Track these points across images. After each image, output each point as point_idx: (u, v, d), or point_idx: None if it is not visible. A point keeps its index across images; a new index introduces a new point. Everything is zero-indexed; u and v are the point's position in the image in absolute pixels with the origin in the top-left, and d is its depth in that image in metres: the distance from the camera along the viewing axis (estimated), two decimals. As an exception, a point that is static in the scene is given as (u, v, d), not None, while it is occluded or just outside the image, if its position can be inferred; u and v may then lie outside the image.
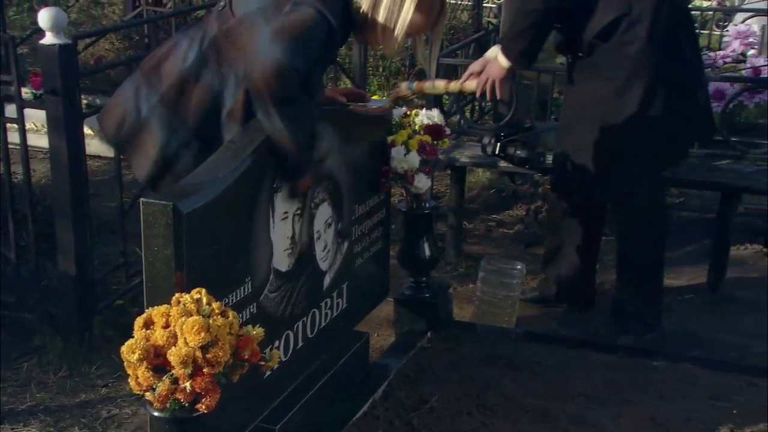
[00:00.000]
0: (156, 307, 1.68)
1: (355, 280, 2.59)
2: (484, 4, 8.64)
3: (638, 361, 2.71)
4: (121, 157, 2.87)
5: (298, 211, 2.22)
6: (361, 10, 2.20)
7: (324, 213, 2.36)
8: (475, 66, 3.13)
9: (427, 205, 2.89)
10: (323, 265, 2.40)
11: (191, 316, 1.65)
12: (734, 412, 2.45)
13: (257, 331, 1.73)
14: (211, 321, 1.62)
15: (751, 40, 5.41)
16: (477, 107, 5.00)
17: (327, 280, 2.43)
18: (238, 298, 1.99)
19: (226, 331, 1.65)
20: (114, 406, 2.75)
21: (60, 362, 2.93)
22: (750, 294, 3.54)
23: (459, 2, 7.81)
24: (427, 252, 2.91)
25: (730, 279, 3.59)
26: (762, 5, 8.31)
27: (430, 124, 2.78)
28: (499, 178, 4.57)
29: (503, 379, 2.57)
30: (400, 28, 2.21)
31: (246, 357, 1.67)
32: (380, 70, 6.20)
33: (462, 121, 4.13)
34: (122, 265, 3.32)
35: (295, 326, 2.28)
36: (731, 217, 3.48)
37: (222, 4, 2.24)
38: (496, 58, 3.00)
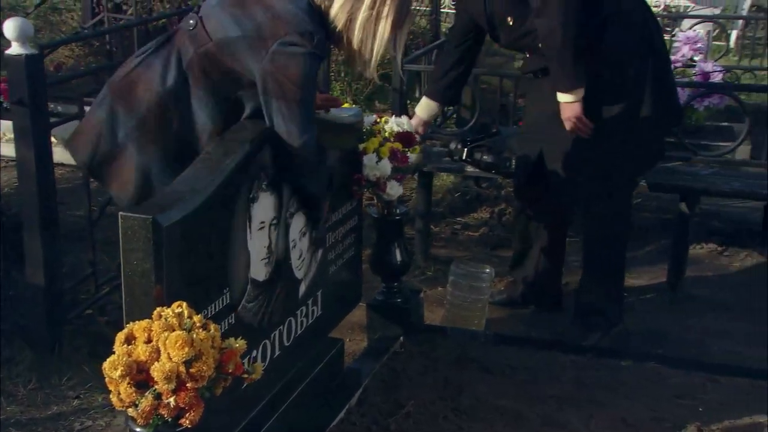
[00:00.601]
0: (137, 321, 1.65)
1: (329, 287, 2.56)
2: (441, 10, 8.68)
3: (605, 361, 2.73)
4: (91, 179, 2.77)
5: (275, 221, 2.19)
6: (337, 29, 2.13)
7: (299, 222, 2.33)
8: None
9: (398, 211, 2.88)
10: (298, 274, 2.37)
11: (173, 330, 1.62)
12: (700, 409, 2.47)
13: (240, 344, 1.70)
14: (194, 335, 1.59)
15: (699, 45, 5.51)
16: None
17: (302, 288, 2.40)
18: (217, 310, 1.96)
19: (209, 344, 1.62)
20: (87, 418, 2.68)
21: (30, 374, 2.85)
22: (708, 292, 3.59)
23: (417, 8, 7.82)
24: (399, 257, 2.89)
25: (688, 278, 3.64)
26: (707, 12, 8.50)
27: (401, 131, 2.77)
28: (462, 182, 4.57)
29: (477, 382, 2.56)
30: (377, 50, 2.14)
31: (230, 371, 1.64)
32: (342, 75, 6.16)
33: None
34: (91, 274, 3.25)
35: (272, 335, 2.25)
36: (690, 218, 3.52)
37: (192, 23, 2.16)
38: (563, 102, 2.91)
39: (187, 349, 1.56)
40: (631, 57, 2.93)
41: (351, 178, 2.64)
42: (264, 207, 2.13)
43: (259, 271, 2.14)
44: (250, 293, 2.11)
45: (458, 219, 4.31)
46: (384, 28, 2.12)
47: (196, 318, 1.69)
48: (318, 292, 2.50)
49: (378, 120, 2.79)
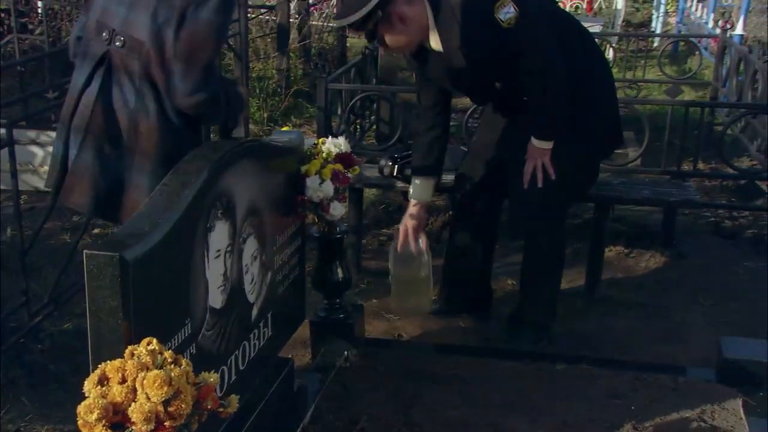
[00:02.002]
0: (108, 362, 1.56)
1: (278, 308, 2.51)
2: (348, 25, 8.67)
3: (541, 365, 2.76)
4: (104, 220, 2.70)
5: (229, 248, 2.13)
6: None
7: (251, 246, 2.27)
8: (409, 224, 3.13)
9: (338, 229, 2.84)
10: (251, 297, 2.31)
11: (148, 369, 1.54)
12: (632, 408, 2.52)
13: (214, 378, 1.63)
14: (172, 374, 1.52)
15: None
16: (359, 127, 5.00)
17: (254, 312, 2.34)
18: (180, 341, 1.88)
19: (185, 381, 1.55)
20: (30, 451, 2.54)
21: (-35, 407, 2.69)
22: (621, 293, 3.68)
23: (325, 24, 7.80)
24: (340, 274, 2.87)
25: (602, 280, 3.74)
26: (597, 29, 8.81)
27: (340, 152, 2.74)
28: (384, 194, 4.57)
29: (426, 393, 2.55)
30: None
31: (208, 407, 1.58)
32: (257, 91, 6.08)
33: (349, 141, 4.10)
34: (25, 303, 3.09)
35: (229, 361, 2.18)
36: (605, 224, 3.61)
37: (120, 42, 2.20)
38: (536, 146, 2.91)
39: (166, 388, 1.49)
40: (578, 84, 2.94)
41: (294, 200, 2.60)
42: (220, 235, 2.06)
43: (216, 298, 2.07)
44: (208, 321, 2.04)
45: (384, 231, 4.30)
46: None
47: (167, 354, 1.62)
48: (268, 313, 2.44)
49: (317, 142, 2.75)
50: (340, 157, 2.72)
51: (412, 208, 3.11)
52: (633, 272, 3.90)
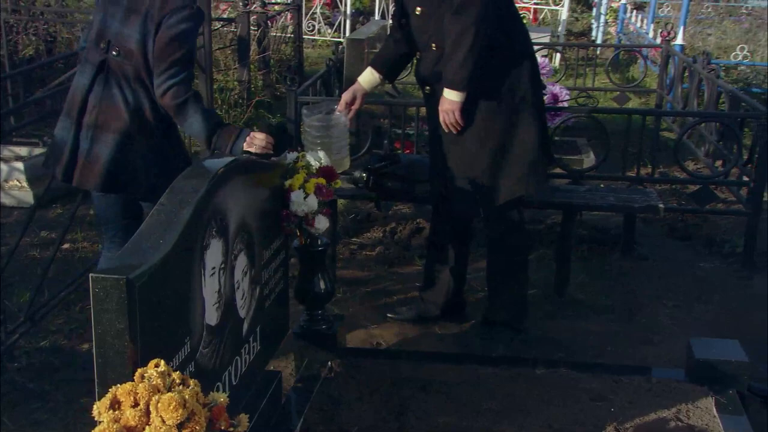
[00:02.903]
0: (119, 385, 1.52)
1: (265, 322, 2.47)
2: (304, 36, 8.65)
3: (522, 371, 2.77)
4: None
5: (222, 265, 2.09)
6: None
7: (241, 263, 2.24)
8: (346, 95, 3.23)
9: (320, 242, 2.82)
10: (242, 313, 2.27)
11: (159, 391, 1.51)
12: (612, 410, 2.55)
13: (223, 398, 1.61)
14: (186, 395, 1.48)
15: (546, 70, 5.81)
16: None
17: (245, 327, 2.30)
18: (180, 360, 1.84)
19: (197, 402, 1.52)
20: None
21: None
22: (586, 296, 3.73)
23: (282, 35, 7.75)
24: (322, 286, 2.84)
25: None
26: (546, 39, 8.93)
27: (322, 166, 2.72)
28: (353, 204, 4.55)
29: (414, 401, 2.54)
30: None
31: (222, 427, 1.55)
32: (219, 102, 6.00)
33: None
34: (1, 322, 3.00)
35: (223, 376, 2.14)
36: (572, 230, 3.66)
37: (115, 52, 2.65)
38: (446, 97, 2.96)
39: (180, 410, 1.46)
40: (526, 86, 3.01)
41: (279, 214, 2.57)
42: (214, 253, 2.03)
43: (211, 316, 2.04)
44: (205, 339, 2.00)
45: (353, 240, 4.28)
46: None
47: (175, 375, 1.59)
48: (257, 327, 2.41)
49: (298, 156, 2.73)
50: (322, 171, 2.70)
51: (355, 84, 3.26)
52: (597, 275, 3.95)
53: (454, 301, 3.37)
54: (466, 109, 2.98)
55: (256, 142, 2.66)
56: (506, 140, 3.01)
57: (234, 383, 2.22)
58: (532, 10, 11.17)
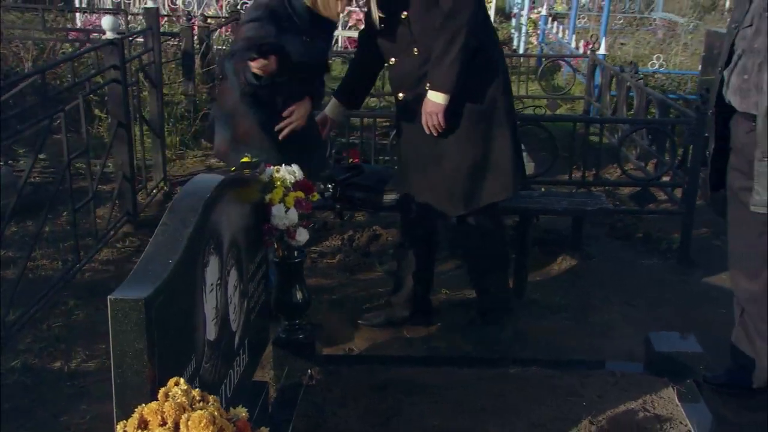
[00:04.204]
0: (145, 405, 1.49)
1: (251, 334, 2.45)
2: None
3: (497, 370, 2.81)
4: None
5: (219, 281, 2.07)
6: None
7: (233, 277, 2.22)
8: (319, 119, 3.27)
9: (297, 254, 2.81)
10: (234, 326, 2.25)
11: (185, 409, 1.49)
12: (584, 404, 2.63)
13: (244, 413, 1.60)
14: (216, 413, 1.47)
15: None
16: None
17: (236, 340, 2.28)
18: (188, 376, 1.81)
19: (224, 418, 1.51)
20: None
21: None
22: (542, 295, 3.82)
23: (222, 48, 7.65)
24: (300, 296, 2.83)
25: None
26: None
27: (298, 180, 2.71)
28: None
29: (398, 405, 2.55)
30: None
31: (248, 442, 1.54)
32: (167, 116, 5.88)
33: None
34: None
35: (221, 390, 2.12)
36: (529, 233, 3.74)
37: None
38: (431, 99, 2.97)
39: (211, 427, 1.44)
40: (500, 91, 3.08)
41: (261, 228, 2.56)
42: (213, 269, 2.01)
43: (211, 331, 2.02)
44: (206, 354, 1.98)
45: (313, 248, 4.28)
46: None
47: (195, 392, 1.57)
48: (246, 340, 2.39)
49: (275, 172, 2.72)
50: (299, 185, 2.70)
51: (323, 114, 3.38)
52: (550, 275, 4.05)
53: (423, 304, 3.41)
54: (448, 112, 2.99)
55: (255, 66, 2.77)
56: (485, 144, 3.05)
57: (229, 396, 2.20)
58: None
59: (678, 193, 4.57)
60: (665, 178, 4.66)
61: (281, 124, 3.08)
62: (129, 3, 11.34)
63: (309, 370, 2.81)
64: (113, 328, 1.56)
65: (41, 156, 4.63)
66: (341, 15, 2.96)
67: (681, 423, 2.54)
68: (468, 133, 3.04)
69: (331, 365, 2.84)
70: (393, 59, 3.12)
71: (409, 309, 3.39)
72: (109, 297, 1.56)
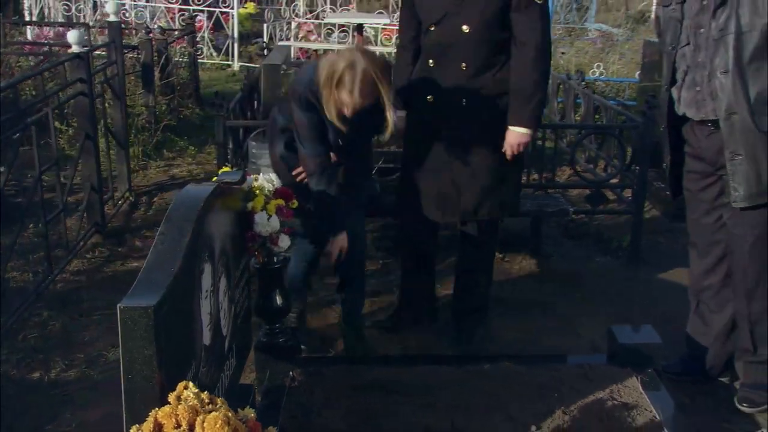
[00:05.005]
0: (158, 409, 1.51)
1: (238, 338, 2.47)
2: (200, 60, 8.52)
3: (471, 367, 2.85)
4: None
5: (212, 287, 2.09)
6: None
7: (223, 284, 2.24)
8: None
9: (277, 260, 2.83)
10: (224, 331, 2.27)
11: (198, 412, 1.51)
12: (556, 396, 2.70)
13: (252, 414, 1.62)
14: (229, 414, 1.49)
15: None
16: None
17: (226, 344, 2.30)
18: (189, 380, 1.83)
19: (236, 419, 1.53)
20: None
21: None
22: (507, 294, 3.90)
23: (179, 60, 7.61)
24: (280, 301, 2.85)
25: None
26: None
27: (277, 188, 2.74)
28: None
29: (380, 404, 2.58)
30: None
31: (260, 442, 1.56)
32: (130, 128, 5.81)
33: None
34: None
35: (214, 393, 2.13)
36: (497, 234, 3.80)
37: None
38: (519, 133, 3.01)
39: (226, 428, 1.46)
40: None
41: (244, 235, 2.57)
42: (207, 276, 2.02)
43: (206, 336, 2.03)
44: (203, 359, 1.99)
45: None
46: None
47: (204, 395, 1.59)
48: (234, 344, 2.40)
49: (255, 180, 2.73)
50: (279, 193, 2.72)
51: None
52: (511, 274, 4.14)
53: (431, 308, 3.47)
54: (484, 122, 3.05)
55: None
56: (502, 159, 3.11)
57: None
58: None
59: (627, 193, 4.71)
60: (613, 180, 4.81)
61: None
62: (80, 16, 11.14)
63: (291, 372, 2.82)
64: (123, 335, 1.57)
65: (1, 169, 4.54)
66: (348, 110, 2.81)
67: (646, 410, 2.63)
68: (496, 140, 3.08)
69: (312, 367, 2.85)
70: (431, 62, 3.08)
71: (418, 313, 3.44)
72: (118, 306, 1.57)
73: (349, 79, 2.64)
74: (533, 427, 2.51)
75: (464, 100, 3.03)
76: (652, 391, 2.76)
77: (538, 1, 2.92)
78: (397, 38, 10.38)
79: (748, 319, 2.94)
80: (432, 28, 3.03)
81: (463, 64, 3.01)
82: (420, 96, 3.12)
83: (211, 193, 2.10)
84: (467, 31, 2.96)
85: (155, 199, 5.20)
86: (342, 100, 2.71)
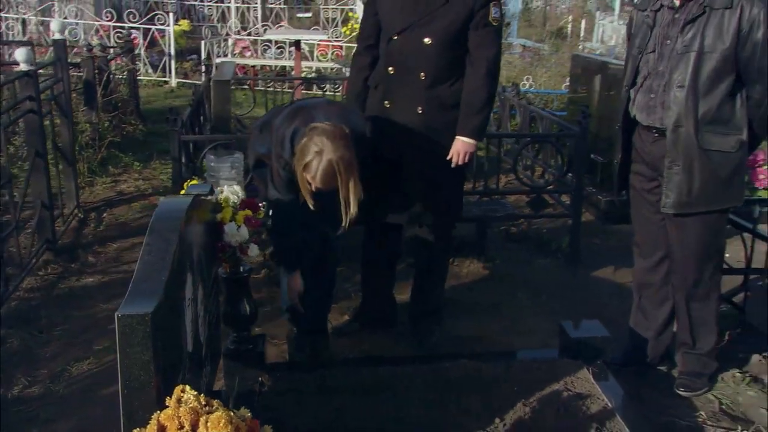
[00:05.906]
0: (160, 412, 1.53)
1: (211, 345, 2.49)
2: (139, 77, 8.40)
3: (432, 366, 2.93)
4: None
5: (192, 296, 2.11)
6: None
7: (200, 292, 2.26)
8: None
9: (243, 269, 2.85)
10: (202, 338, 2.29)
11: (198, 413, 1.54)
12: (515, 389, 2.80)
13: (249, 414, 1.65)
14: (231, 413, 1.52)
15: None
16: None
17: (203, 351, 2.32)
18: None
19: (237, 419, 1.56)
20: None
21: None
22: (459, 296, 3.99)
23: (120, 76, 7.49)
24: (247, 309, 2.87)
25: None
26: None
27: (243, 199, 2.77)
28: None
29: (348, 405, 2.62)
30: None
31: (259, 439, 1.59)
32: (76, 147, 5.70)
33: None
34: None
35: (196, 399, 2.15)
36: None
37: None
38: (464, 141, 3.10)
39: (230, 427, 1.50)
40: None
41: (215, 246, 2.59)
42: (189, 286, 2.05)
43: (189, 343, 2.05)
44: (186, 364, 2.01)
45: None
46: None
47: (201, 397, 1.62)
48: (209, 351, 2.42)
49: (220, 192, 2.76)
50: (245, 204, 2.75)
51: None
52: (461, 277, 4.24)
53: (391, 310, 3.53)
54: (440, 131, 3.14)
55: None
56: (454, 169, 3.21)
57: (200, 405, 2.23)
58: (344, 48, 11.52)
59: (565, 198, 4.89)
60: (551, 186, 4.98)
61: None
62: (10, 33, 10.83)
63: (260, 378, 2.85)
64: (121, 342, 1.59)
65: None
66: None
67: (598, 399, 2.75)
68: (438, 152, 3.16)
69: (280, 372, 2.88)
70: (392, 69, 3.14)
71: (378, 314, 3.50)
72: (116, 314, 1.59)
73: (314, 166, 2.68)
74: (497, 420, 2.60)
75: (419, 108, 3.12)
76: (603, 382, 2.89)
77: (494, 24, 3.04)
78: (333, 53, 10.30)
79: (687, 317, 3.11)
80: (395, 37, 3.11)
81: (422, 74, 3.09)
82: (377, 102, 3.20)
83: (190, 204, 2.12)
84: (429, 43, 3.05)
85: (104, 215, 5.12)
86: (308, 180, 2.75)
